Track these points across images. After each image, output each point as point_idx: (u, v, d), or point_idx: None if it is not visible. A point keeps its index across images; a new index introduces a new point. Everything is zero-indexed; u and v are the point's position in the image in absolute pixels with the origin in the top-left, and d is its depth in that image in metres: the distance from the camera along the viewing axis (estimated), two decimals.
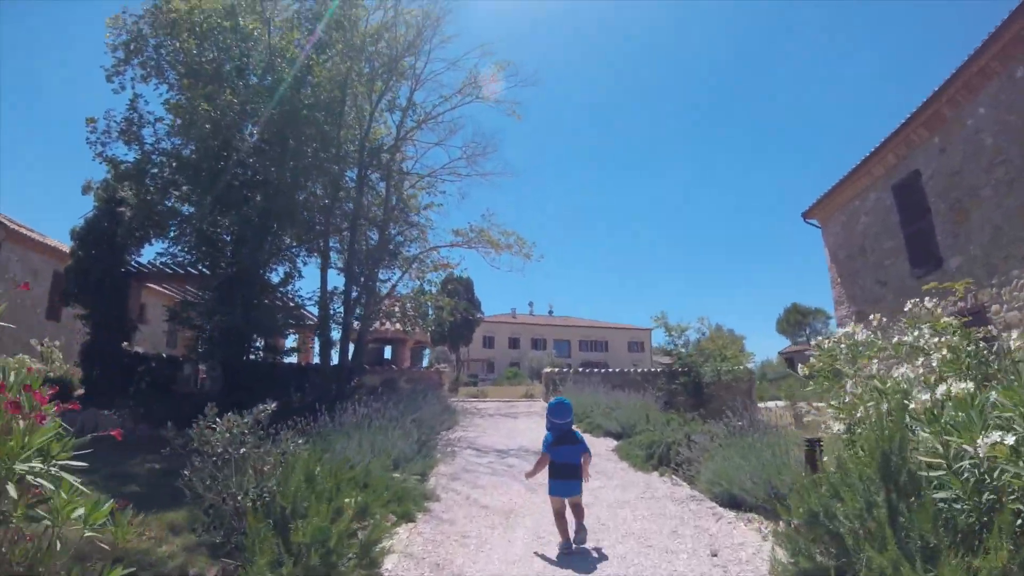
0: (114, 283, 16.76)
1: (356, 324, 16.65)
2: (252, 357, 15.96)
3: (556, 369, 20.55)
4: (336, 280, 27.56)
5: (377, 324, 22.00)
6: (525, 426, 13.85)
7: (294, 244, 17.13)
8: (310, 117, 14.46)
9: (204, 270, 16.23)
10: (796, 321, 56.17)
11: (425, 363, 33.69)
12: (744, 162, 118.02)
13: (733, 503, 6.89)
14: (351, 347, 16.70)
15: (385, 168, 17.30)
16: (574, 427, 6.19)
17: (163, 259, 16.71)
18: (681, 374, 19.10)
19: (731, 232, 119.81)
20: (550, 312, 71.66)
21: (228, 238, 15.17)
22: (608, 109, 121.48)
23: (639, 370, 21.21)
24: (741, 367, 19.97)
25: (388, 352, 24.91)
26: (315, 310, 17.25)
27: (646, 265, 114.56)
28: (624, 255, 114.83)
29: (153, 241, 16.43)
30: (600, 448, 11.07)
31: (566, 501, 5.69)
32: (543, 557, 5.33)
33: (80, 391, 16.48)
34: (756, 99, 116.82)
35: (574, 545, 5.43)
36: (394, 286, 18.28)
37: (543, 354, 51.86)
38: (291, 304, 17.39)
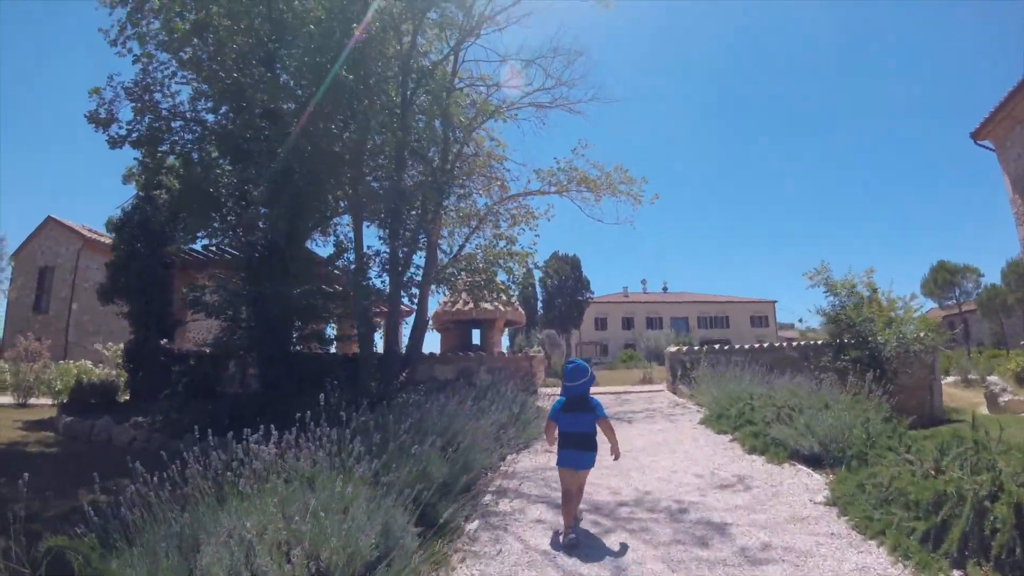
0: (153, 276, 13.89)
1: (408, 298, 11.77)
2: (301, 348, 12.05)
3: (683, 348, 14.81)
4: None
5: (459, 304, 17.32)
6: (648, 439, 8.38)
7: (336, 212, 12.77)
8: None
9: (235, 251, 12.45)
10: (945, 281, 45.94)
11: (533, 347, 28.63)
12: (881, 101, 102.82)
13: None
14: (404, 328, 11.93)
15: (436, 94, 12.23)
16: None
17: (190, 243, 13.52)
18: (851, 346, 12.87)
19: (858, 187, 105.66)
20: (664, 289, 64.76)
21: (264, 211, 11.18)
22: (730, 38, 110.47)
23: (794, 343, 15.04)
24: (928, 335, 13.46)
25: (477, 336, 20.00)
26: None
27: (764, 231, 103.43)
28: (740, 218, 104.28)
29: (193, 228, 12.78)
30: (795, 496, 5.41)
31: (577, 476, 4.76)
32: None
33: (127, 395, 14.15)
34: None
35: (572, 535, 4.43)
36: (461, 247, 13.26)
37: (660, 333, 45.43)
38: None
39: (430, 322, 14.29)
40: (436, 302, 13.83)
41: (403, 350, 12.29)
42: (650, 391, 14.96)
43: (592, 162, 13.80)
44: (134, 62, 10.87)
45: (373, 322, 11.74)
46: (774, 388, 9.66)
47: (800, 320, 66.88)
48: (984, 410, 15.55)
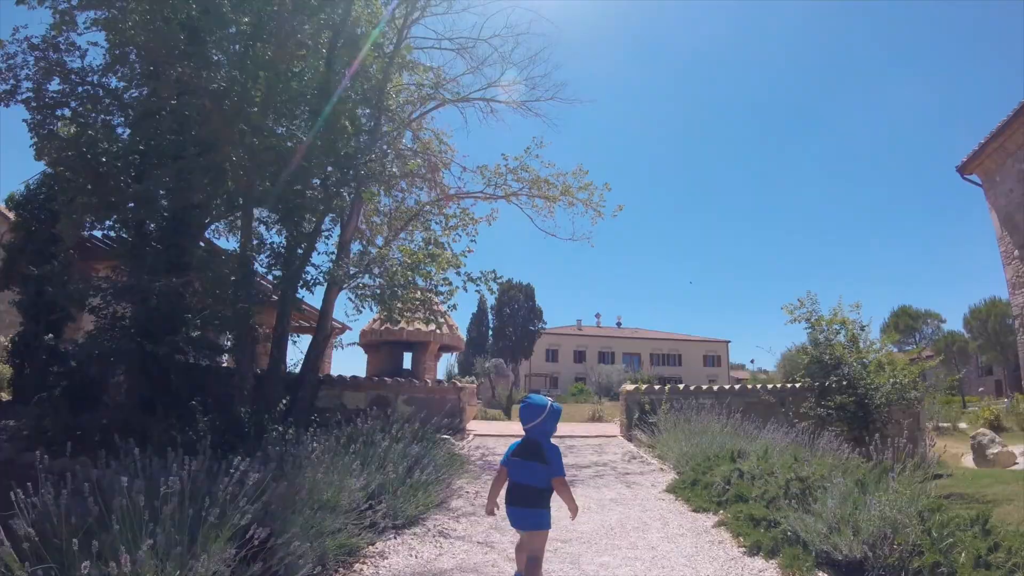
0: (47, 262, 11.73)
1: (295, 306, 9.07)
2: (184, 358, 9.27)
3: (642, 386, 12.38)
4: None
5: (389, 323, 14.58)
6: (597, 520, 5.61)
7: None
8: None
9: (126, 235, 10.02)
10: (906, 326, 45.68)
11: (465, 377, 26.43)
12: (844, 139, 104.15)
13: None
14: (305, 341, 9.25)
15: (368, 63, 9.84)
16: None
17: (81, 224, 11.14)
18: (836, 391, 10.94)
19: (818, 224, 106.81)
20: (618, 324, 63.04)
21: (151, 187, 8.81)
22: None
23: (770, 386, 12.89)
24: (919, 382, 11.86)
25: (408, 360, 17.25)
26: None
27: (721, 272, 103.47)
28: (697, 257, 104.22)
29: (84, 206, 10.29)
30: None
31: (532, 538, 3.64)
32: None
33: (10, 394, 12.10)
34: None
35: None
36: (382, 247, 10.61)
37: (612, 368, 43.28)
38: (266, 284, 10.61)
39: (331, 337, 11.55)
40: (344, 314, 11.00)
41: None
42: (600, 436, 12.35)
43: (547, 163, 11.54)
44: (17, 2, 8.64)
45: (256, 330, 8.98)
46: (759, 442, 7.33)
47: (752, 361, 66.56)
48: (968, 461, 13.82)
